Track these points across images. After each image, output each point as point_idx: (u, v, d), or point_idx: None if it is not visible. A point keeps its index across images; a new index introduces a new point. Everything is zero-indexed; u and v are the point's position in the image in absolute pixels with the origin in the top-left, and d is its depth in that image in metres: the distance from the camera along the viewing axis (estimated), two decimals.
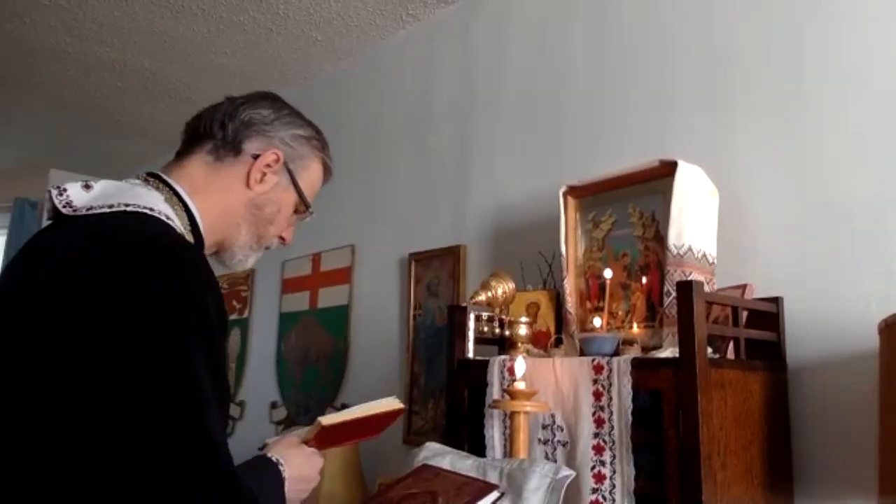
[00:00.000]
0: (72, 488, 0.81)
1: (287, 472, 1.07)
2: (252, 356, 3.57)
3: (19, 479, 0.82)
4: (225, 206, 1.12)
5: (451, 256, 2.46)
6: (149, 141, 4.41)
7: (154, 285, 0.85)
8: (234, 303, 3.75)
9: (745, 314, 1.50)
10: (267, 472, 1.05)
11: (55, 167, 4.95)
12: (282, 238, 1.23)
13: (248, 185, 1.12)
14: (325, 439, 1.17)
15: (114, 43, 3.18)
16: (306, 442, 1.16)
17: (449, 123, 2.62)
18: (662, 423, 1.30)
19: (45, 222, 1.02)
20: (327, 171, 1.26)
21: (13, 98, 3.85)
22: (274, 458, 1.07)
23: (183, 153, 1.14)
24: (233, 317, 3.75)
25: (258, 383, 3.44)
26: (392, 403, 1.24)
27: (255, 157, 1.13)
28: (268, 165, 1.13)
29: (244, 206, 1.13)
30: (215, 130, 1.12)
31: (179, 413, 0.82)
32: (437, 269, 2.52)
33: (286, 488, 1.06)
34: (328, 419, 1.14)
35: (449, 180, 2.57)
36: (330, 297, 3.08)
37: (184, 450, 0.81)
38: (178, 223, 1.02)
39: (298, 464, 1.10)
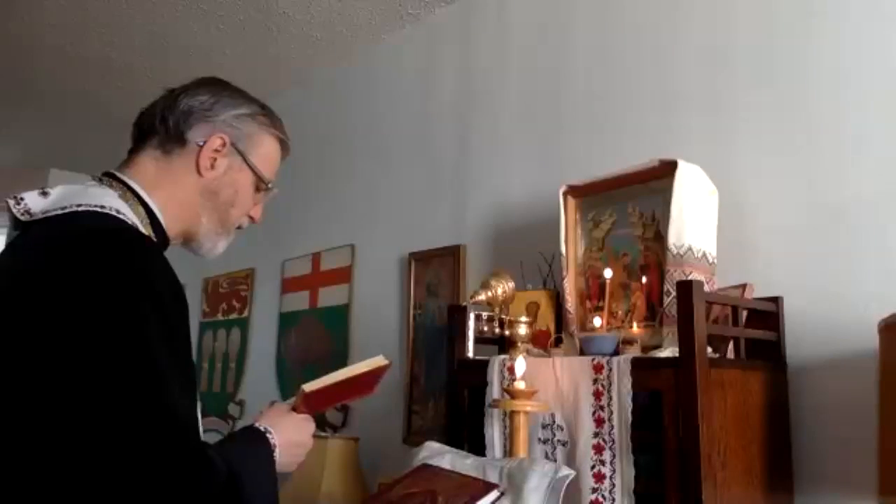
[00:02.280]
0: (37, 475, 0.84)
1: (277, 438, 1.08)
2: (252, 355, 3.57)
3: None
4: (181, 197, 1.13)
5: (451, 256, 2.45)
6: None
7: (104, 272, 0.88)
8: (234, 302, 3.75)
9: (745, 314, 1.50)
10: (254, 441, 1.06)
11: (55, 167, 4.94)
12: (251, 217, 1.23)
13: (199, 172, 1.13)
14: (313, 403, 1.17)
15: (114, 43, 3.18)
16: (295, 408, 1.16)
17: (449, 123, 2.62)
18: (662, 423, 1.30)
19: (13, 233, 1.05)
20: (283, 145, 1.24)
21: (13, 98, 3.85)
22: (262, 427, 1.09)
23: (133, 151, 1.16)
24: (233, 316, 3.75)
25: (258, 383, 3.44)
26: (376, 361, 1.22)
27: (202, 144, 1.13)
28: (216, 150, 1.13)
29: (199, 194, 1.14)
30: (157, 125, 1.13)
31: (140, 392, 0.84)
32: (437, 268, 2.52)
33: (278, 454, 1.07)
34: (310, 385, 1.15)
35: (449, 180, 2.57)
36: (330, 296, 3.07)
37: (148, 427, 0.84)
38: (133, 217, 1.04)
39: (289, 430, 1.11)
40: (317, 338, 3.11)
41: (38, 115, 4.11)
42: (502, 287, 1.73)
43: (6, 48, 3.25)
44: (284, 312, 3.36)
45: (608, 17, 2.12)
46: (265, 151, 1.20)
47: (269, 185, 1.21)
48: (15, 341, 0.87)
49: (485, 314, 1.77)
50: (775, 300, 1.56)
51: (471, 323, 1.74)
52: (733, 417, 1.35)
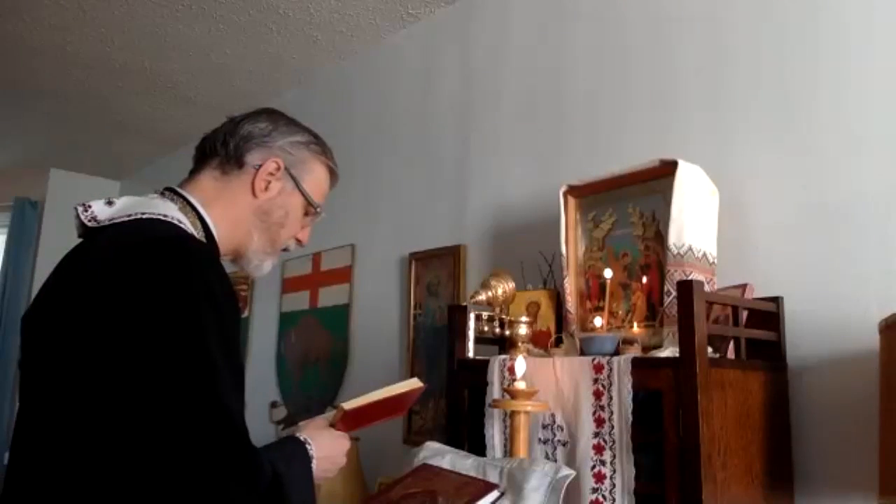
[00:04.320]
0: (99, 472, 0.89)
1: (315, 451, 1.12)
2: (252, 355, 3.57)
3: (51, 458, 0.93)
4: (235, 215, 1.20)
5: (451, 256, 2.45)
6: (149, 141, 4.41)
7: (167, 277, 0.93)
8: None
9: (745, 314, 1.50)
10: (295, 450, 1.11)
11: (55, 167, 4.95)
12: (298, 240, 1.31)
13: (254, 193, 1.20)
14: (349, 422, 1.21)
15: (114, 43, 3.18)
16: (333, 425, 1.20)
17: (449, 123, 2.62)
18: (662, 423, 1.30)
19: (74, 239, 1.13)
20: (332, 173, 1.32)
21: (13, 98, 3.85)
22: (302, 438, 1.13)
23: (194, 171, 1.23)
24: None
25: (258, 383, 3.44)
26: (411, 384, 1.27)
27: (258, 167, 1.20)
28: (270, 173, 1.21)
29: (253, 213, 1.21)
30: (218, 148, 1.21)
31: (198, 390, 0.90)
32: (437, 268, 2.52)
33: (315, 466, 1.12)
34: (349, 404, 1.19)
35: (449, 180, 2.57)
36: (330, 296, 3.08)
37: (204, 425, 0.89)
38: (192, 229, 1.10)
39: (326, 445, 1.16)
40: (317, 338, 3.11)
41: (38, 115, 4.11)
42: (502, 287, 1.74)
43: (6, 48, 3.25)
44: (284, 312, 3.36)
45: (608, 17, 2.12)
46: (315, 178, 1.28)
47: (318, 210, 1.29)
48: (83, 338, 0.93)
49: (485, 314, 1.77)
50: (775, 300, 1.56)
51: (471, 323, 1.74)
52: (733, 417, 1.35)
